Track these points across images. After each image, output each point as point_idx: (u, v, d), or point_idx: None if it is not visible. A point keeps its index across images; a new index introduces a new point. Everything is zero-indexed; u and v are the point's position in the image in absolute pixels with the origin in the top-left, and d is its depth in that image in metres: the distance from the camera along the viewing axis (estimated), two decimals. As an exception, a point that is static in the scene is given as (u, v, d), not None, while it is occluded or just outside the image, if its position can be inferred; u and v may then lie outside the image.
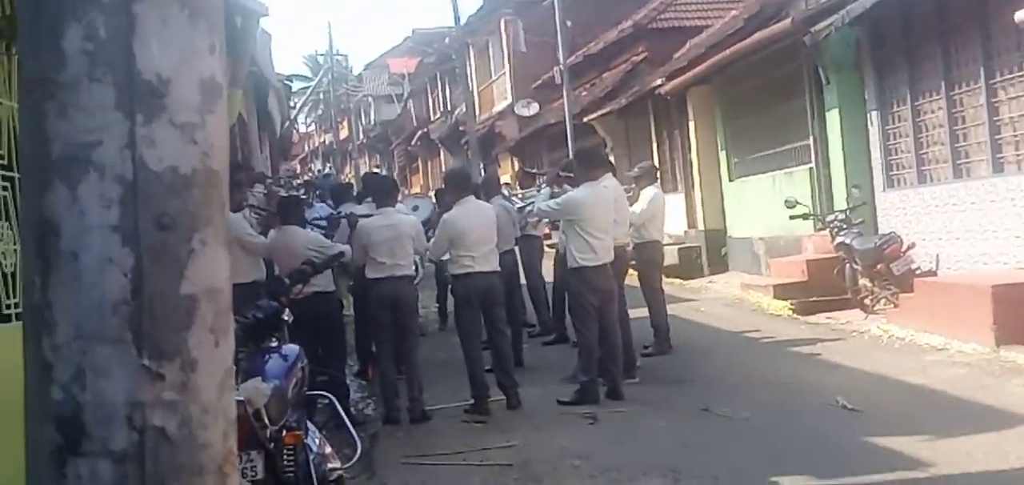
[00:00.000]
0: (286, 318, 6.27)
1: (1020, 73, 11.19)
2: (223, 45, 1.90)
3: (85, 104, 1.77)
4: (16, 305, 4.89)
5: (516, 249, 12.56)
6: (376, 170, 40.00)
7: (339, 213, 12.06)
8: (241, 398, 4.78)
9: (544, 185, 13.48)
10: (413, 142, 50.05)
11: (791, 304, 14.33)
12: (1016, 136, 11.54)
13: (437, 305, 15.42)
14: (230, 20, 8.41)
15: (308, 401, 6.33)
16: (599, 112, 25.17)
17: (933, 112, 13.02)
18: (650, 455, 7.69)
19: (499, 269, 9.76)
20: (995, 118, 11.76)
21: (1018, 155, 11.53)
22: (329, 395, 6.71)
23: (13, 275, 4.90)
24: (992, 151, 11.81)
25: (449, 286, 11.38)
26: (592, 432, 8.56)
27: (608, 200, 9.71)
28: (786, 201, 14.59)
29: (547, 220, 12.26)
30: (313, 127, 74.54)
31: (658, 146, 22.78)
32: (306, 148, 71.13)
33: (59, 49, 1.78)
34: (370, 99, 63.02)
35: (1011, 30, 10.95)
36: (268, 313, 6.06)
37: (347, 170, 57.56)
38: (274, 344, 5.92)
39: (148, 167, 1.78)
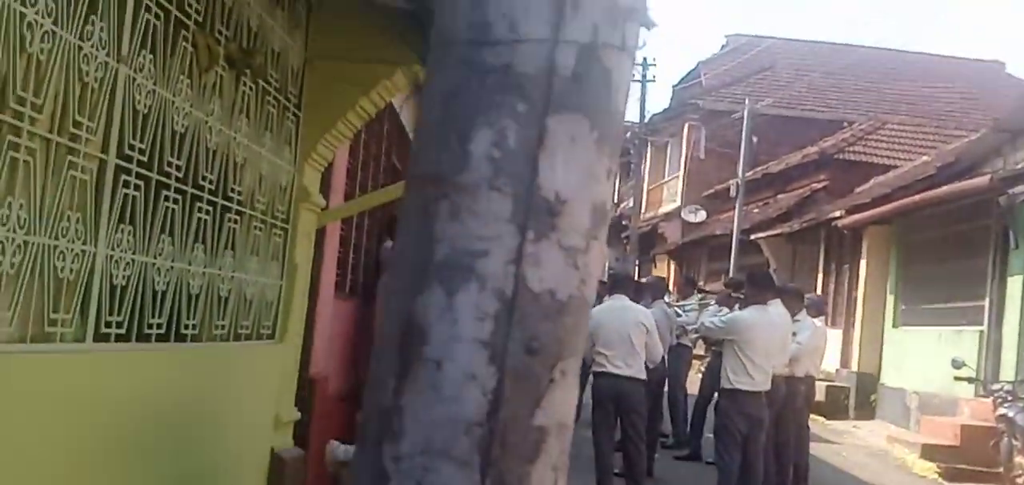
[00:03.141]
0: None
1: None
2: (616, 170, 1.84)
3: (481, 211, 1.69)
4: (159, 325, 4.65)
5: (665, 358, 12.28)
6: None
7: None
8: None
9: (713, 302, 13.20)
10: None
11: (939, 467, 13.62)
12: None
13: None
14: None
15: None
16: (768, 232, 24.66)
17: (1124, 299, 12.21)
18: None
19: (638, 375, 9.40)
20: None
21: None
22: None
23: (164, 293, 4.67)
24: None
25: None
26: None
27: (775, 326, 9.36)
28: (953, 361, 13.89)
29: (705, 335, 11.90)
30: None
31: (825, 277, 22.17)
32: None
33: (465, 151, 1.70)
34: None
35: None
36: None
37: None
38: None
39: (528, 287, 1.69)
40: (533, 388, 1.69)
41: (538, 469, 1.70)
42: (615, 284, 9.86)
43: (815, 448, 12.84)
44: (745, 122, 27.37)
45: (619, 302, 9.51)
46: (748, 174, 27.61)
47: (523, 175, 1.68)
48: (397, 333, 1.73)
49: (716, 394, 9.90)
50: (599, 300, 9.92)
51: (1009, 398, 12.73)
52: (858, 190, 22.59)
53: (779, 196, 28.18)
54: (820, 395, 17.95)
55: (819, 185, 25.66)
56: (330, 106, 6.39)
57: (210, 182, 5.00)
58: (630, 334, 9.28)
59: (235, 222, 5.35)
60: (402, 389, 1.69)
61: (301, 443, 6.77)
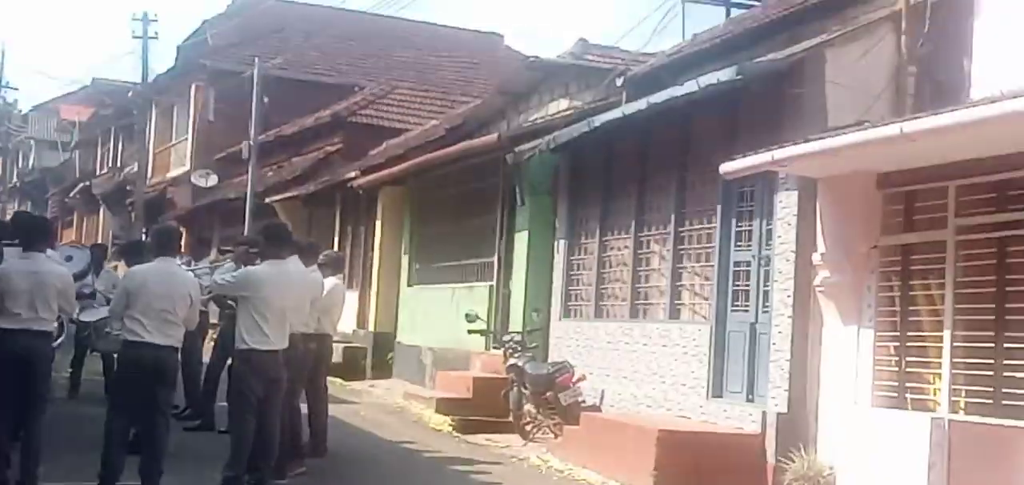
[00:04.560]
0: None
1: (708, 226, 11.42)
2: None
3: None
4: None
5: None
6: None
7: None
8: None
9: (230, 260, 12.36)
10: (72, 194, 46.75)
11: (452, 420, 13.89)
12: (694, 286, 11.74)
13: (70, 369, 13.70)
14: None
15: None
16: (284, 195, 24.35)
17: (619, 250, 13.13)
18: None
19: (177, 345, 8.33)
20: (678, 266, 11.93)
21: (694, 305, 11.72)
22: None
23: None
24: (671, 298, 11.94)
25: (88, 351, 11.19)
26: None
27: (292, 282, 8.78)
28: (467, 314, 14.32)
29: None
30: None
31: (341, 239, 22.21)
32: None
33: None
34: (32, 142, 58.62)
35: (707, 181, 11.21)
36: None
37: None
38: None
39: None
40: None
41: None
42: (161, 245, 8.70)
43: (334, 409, 12.57)
44: (255, 83, 26.66)
45: (167, 265, 8.44)
46: (261, 137, 26.98)
47: None
48: None
49: (230, 360, 9.21)
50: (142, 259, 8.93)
51: (518, 349, 13.29)
52: (372, 153, 22.83)
53: (294, 159, 28.05)
54: (338, 356, 17.81)
55: (333, 148, 25.93)
56: None
57: None
58: (175, 302, 8.20)
59: None
60: None
61: None
